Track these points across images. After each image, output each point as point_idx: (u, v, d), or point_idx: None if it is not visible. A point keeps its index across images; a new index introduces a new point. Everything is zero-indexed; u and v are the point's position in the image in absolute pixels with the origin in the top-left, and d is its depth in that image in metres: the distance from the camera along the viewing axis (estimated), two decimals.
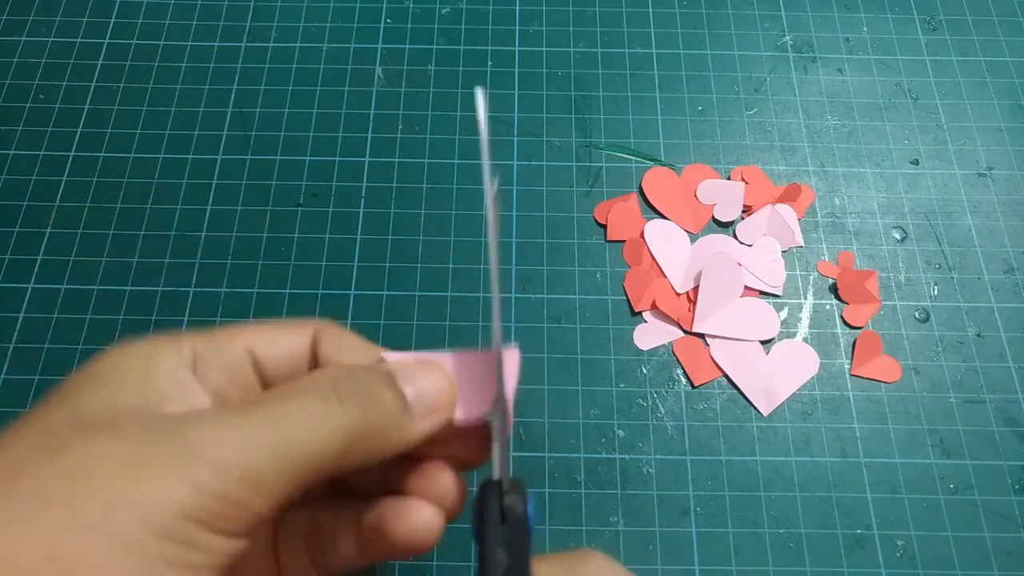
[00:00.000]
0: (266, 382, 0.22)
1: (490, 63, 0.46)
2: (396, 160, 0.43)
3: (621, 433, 0.36)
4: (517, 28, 0.47)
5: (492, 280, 0.22)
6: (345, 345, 0.23)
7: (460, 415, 0.22)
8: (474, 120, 0.21)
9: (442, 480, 0.22)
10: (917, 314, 0.39)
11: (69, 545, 0.15)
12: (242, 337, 0.22)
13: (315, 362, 0.23)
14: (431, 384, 0.21)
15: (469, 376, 0.22)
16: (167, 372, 0.20)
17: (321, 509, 0.23)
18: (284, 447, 0.18)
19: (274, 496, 0.18)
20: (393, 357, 0.22)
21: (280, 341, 0.22)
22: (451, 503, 0.22)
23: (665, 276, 0.40)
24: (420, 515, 0.22)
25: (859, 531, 0.34)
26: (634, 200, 0.42)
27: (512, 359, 0.22)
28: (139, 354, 0.20)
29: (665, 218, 0.41)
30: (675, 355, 0.38)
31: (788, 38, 0.47)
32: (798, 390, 0.37)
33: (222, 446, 0.17)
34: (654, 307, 0.39)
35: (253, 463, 0.17)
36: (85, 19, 0.47)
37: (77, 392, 0.19)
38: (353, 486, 0.24)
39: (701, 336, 0.38)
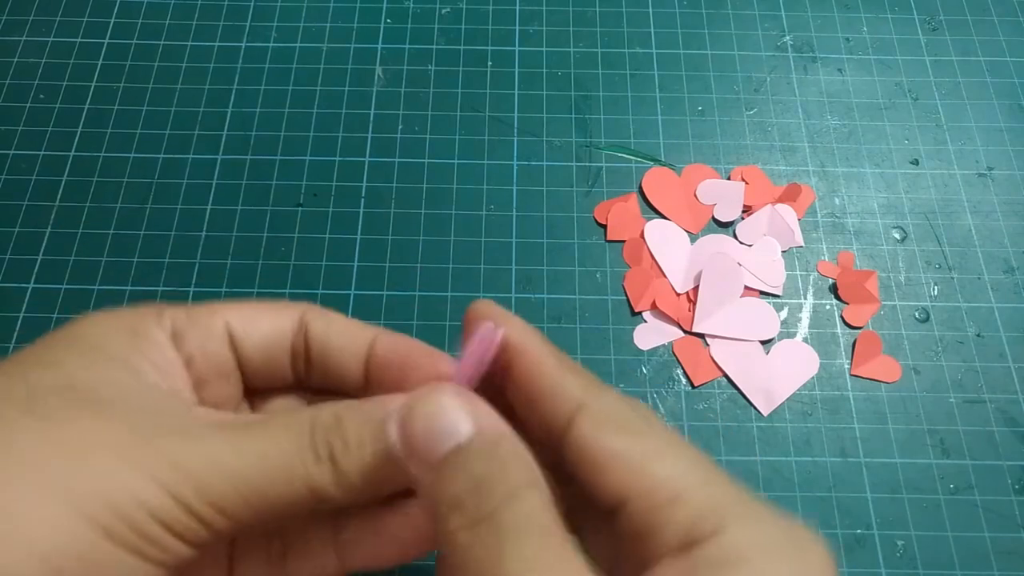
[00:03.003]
0: (243, 361, 0.22)
1: (490, 63, 0.46)
2: (396, 160, 0.43)
3: None
4: (517, 28, 0.47)
5: None
6: (335, 329, 0.22)
7: None
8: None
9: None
10: (917, 314, 0.39)
11: (29, 504, 0.16)
12: (221, 313, 0.21)
13: (305, 345, 0.22)
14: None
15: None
16: (152, 347, 0.20)
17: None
18: (250, 484, 0.18)
19: (234, 522, 0.18)
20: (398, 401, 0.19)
21: (260, 321, 0.21)
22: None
23: (665, 276, 0.40)
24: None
25: (859, 531, 0.34)
26: (634, 200, 0.42)
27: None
28: (123, 326, 0.20)
29: (665, 218, 0.41)
30: (675, 355, 0.38)
31: (788, 38, 0.47)
32: (798, 390, 0.37)
33: (196, 461, 0.17)
34: (654, 307, 0.39)
35: (219, 488, 0.17)
36: (85, 19, 0.47)
37: (62, 357, 0.19)
38: None
39: (701, 336, 0.38)
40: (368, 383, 0.22)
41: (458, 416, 0.18)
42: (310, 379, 0.23)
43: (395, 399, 0.19)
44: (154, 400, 0.19)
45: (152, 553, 0.17)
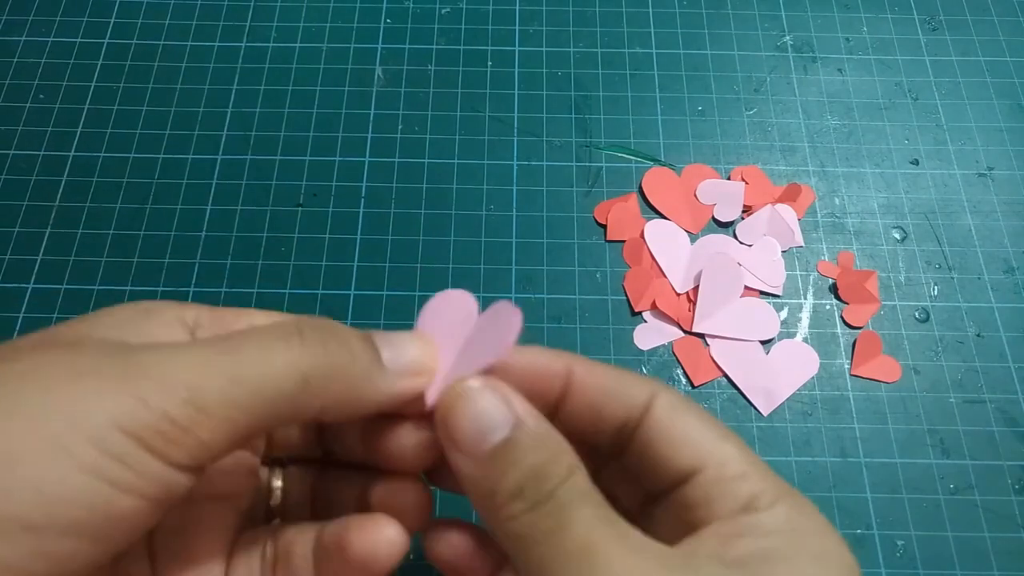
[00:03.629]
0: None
1: (490, 63, 0.46)
2: (396, 160, 0.43)
3: None
4: (517, 28, 0.47)
5: None
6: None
7: (431, 399, 0.21)
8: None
9: (409, 492, 0.21)
10: (917, 314, 0.39)
11: (10, 442, 0.15)
12: (247, 317, 0.22)
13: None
14: (411, 348, 0.20)
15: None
16: (161, 323, 0.20)
17: (284, 529, 0.22)
18: (234, 373, 0.17)
19: (221, 425, 0.17)
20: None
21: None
22: (415, 518, 0.21)
23: (665, 276, 0.40)
24: (385, 531, 0.20)
25: (859, 531, 0.34)
26: (634, 200, 0.42)
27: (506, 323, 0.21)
28: (139, 307, 0.20)
29: (665, 218, 0.41)
30: (675, 355, 0.38)
31: (788, 38, 0.47)
32: (798, 390, 0.37)
33: (171, 366, 0.17)
34: (654, 307, 0.39)
35: (201, 385, 0.17)
36: (85, 19, 0.47)
37: (60, 326, 0.19)
38: (324, 507, 0.23)
39: (701, 336, 0.38)
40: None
41: (499, 411, 0.19)
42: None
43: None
44: (130, 342, 0.19)
45: (123, 474, 0.16)
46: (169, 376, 0.17)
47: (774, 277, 0.40)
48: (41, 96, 0.44)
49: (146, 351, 0.17)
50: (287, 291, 0.39)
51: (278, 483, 0.23)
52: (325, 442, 0.24)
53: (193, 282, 0.39)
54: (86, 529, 0.16)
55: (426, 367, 0.21)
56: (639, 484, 0.21)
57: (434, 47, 0.46)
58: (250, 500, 0.23)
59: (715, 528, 0.19)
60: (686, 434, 0.20)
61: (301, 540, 0.22)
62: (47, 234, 0.40)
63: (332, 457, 0.24)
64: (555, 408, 0.21)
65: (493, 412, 0.19)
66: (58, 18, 0.47)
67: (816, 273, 0.40)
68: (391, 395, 0.20)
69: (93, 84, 0.45)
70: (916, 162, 0.43)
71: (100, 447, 0.16)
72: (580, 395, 0.21)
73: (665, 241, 0.40)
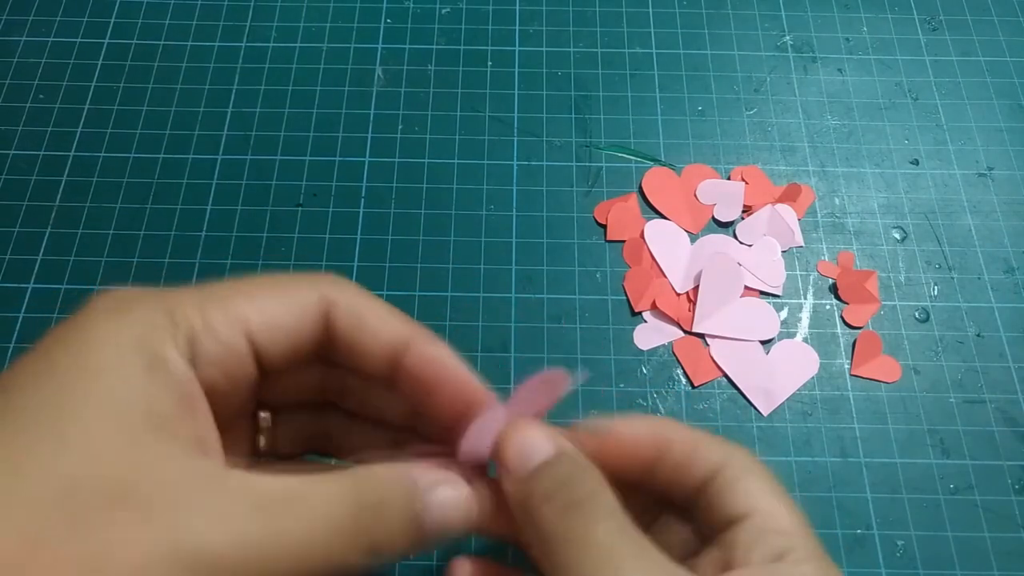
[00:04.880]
0: (263, 363, 0.22)
1: (490, 63, 0.46)
2: (396, 160, 0.43)
3: None
4: (517, 28, 0.47)
5: None
6: (370, 325, 0.22)
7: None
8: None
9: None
10: (917, 314, 0.39)
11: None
12: (240, 315, 0.21)
13: (327, 336, 0.22)
14: (450, 505, 0.21)
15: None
16: (171, 382, 0.19)
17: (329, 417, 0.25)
18: (305, 555, 0.18)
19: None
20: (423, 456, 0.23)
21: (279, 319, 0.21)
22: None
23: (665, 276, 0.40)
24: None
25: (859, 531, 0.34)
26: (634, 200, 0.42)
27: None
28: (137, 354, 0.19)
29: (665, 218, 0.41)
30: (675, 355, 0.38)
31: (788, 38, 0.47)
32: (798, 390, 0.37)
33: (231, 551, 0.17)
34: (654, 307, 0.39)
35: (271, 568, 0.18)
36: (85, 19, 0.47)
37: (72, 387, 0.18)
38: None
39: (701, 336, 0.38)
40: (395, 381, 0.23)
41: (542, 440, 0.22)
42: (331, 356, 0.23)
43: (432, 477, 0.22)
44: (180, 471, 0.18)
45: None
46: (221, 557, 0.17)
47: (774, 277, 0.40)
48: (41, 96, 0.44)
49: (200, 519, 0.17)
50: None
51: (267, 422, 0.24)
52: (334, 394, 0.25)
53: (193, 282, 0.39)
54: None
55: (459, 521, 0.22)
56: (690, 533, 0.24)
57: (434, 47, 0.46)
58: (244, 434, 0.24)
59: (744, 572, 0.21)
60: (746, 488, 0.23)
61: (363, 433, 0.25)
62: (47, 234, 0.40)
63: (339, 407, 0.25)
64: (649, 469, 0.24)
65: (536, 442, 0.22)
66: (58, 18, 0.47)
67: (816, 273, 0.40)
68: (428, 546, 0.22)
69: (93, 84, 0.45)
70: (916, 162, 0.43)
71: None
72: (669, 458, 0.24)
73: (665, 241, 0.40)
